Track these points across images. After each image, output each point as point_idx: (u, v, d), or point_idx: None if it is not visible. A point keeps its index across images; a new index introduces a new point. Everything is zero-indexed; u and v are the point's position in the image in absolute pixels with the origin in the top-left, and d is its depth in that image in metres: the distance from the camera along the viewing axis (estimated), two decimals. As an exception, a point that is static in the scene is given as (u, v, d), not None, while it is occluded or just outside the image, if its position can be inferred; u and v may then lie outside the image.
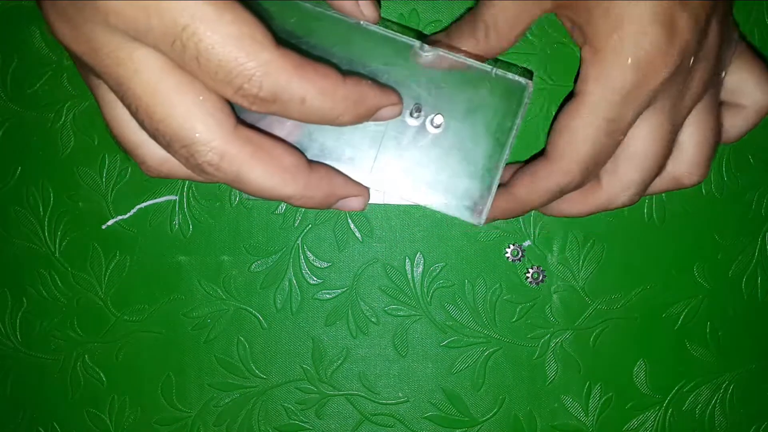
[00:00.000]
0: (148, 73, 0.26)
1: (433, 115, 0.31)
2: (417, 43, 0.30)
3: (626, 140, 0.31)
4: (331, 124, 0.28)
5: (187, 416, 0.38)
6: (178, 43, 0.25)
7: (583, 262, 0.38)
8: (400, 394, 0.38)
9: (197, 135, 0.27)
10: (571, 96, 0.31)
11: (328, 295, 0.38)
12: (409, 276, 0.38)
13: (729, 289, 0.38)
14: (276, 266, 0.38)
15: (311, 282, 0.38)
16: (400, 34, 0.30)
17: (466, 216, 0.32)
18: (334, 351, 0.38)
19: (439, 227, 0.37)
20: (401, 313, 0.38)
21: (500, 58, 0.36)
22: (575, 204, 0.33)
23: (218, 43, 0.25)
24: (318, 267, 0.38)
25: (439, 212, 0.34)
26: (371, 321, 0.38)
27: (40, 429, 0.39)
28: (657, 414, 0.39)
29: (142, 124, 0.28)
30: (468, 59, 0.31)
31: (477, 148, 0.32)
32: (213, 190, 0.38)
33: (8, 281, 0.38)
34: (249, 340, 0.38)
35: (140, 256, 0.38)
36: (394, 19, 0.36)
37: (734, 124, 0.34)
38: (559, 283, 0.38)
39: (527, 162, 0.34)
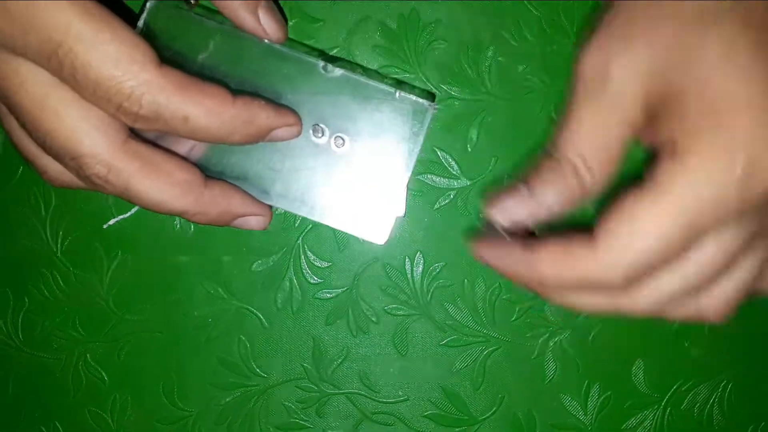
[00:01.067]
0: (34, 87, 0.27)
1: (337, 135, 0.32)
2: (321, 62, 0.31)
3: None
4: (222, 143, 0.28)
5: (189, 415, 0.39)
6: (54, 60, 0.25)
7: (582, 262, 0.38)
8: (400, 393, 0.39)
9: (84, 148, 0.27)
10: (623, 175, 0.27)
11: (328, 295, 0.38)
12: (409, 276, 0.38)
13: (727, 289, 0.39)
14: (277, 266, 0.38)
15: (312, 281, 0.38)
16: (304, 53, 0.31)
17: (368, 236, 0.33)
18: (335, 350, 0.38)
19: (439, 227, 0.37)
20: (401, 312, 0.38)
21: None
22: (594, 299, 0.28)
23: (95, 62, 0.25)
24: (318, 266, 0.38)
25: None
26: (371, 320, 0.38)
27: (42, 428, 0.39)
28: (655, 413, 0.39)
29: (31, 137, 0.28)
30: (370, 80, 0.31)
31: (381, 168, 0.32)
32: (214, 190, 0.38)
33: (10, 281, 0.39)
34: (250, 339, 0.38)
35: (142, 256, 0.38)
36: (394, 20, 0.36)
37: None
38: (559, 282, 0.38)
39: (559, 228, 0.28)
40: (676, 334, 0.38)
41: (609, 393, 0.39)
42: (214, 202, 0.30)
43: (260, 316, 0.38)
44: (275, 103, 0.30)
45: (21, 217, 0.38)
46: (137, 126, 0.27)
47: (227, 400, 0.38)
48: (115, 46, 0.25)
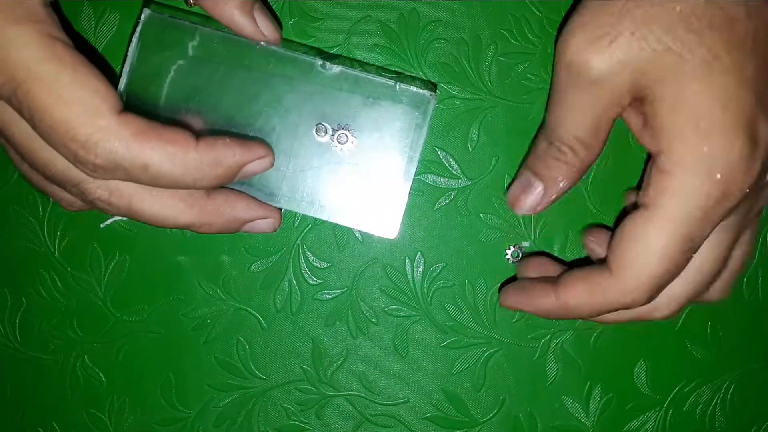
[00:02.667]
0: (22, 122, 0.26)
1: (339, 132, 0.32)
2: (319, 60, 0.31)
3: None
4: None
5: (187, 417, 0.38)
6: (15, 100, 0.25)
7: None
8: (401, 395, 0.38)
9: (82, 174, 0.27)
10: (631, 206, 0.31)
11: (328, 296, 0.38)
12: (409, 276, 0.38)
13: (730, 290, 0.38)
14: (276, 266, 0.37)
15: (311, 282, 0.38)
16: (301, 53, 0.31)
17: (378, 231, 0.33)
18: (334, 351, 0.38)
19: (439, 227, 0.37)
20: (401, 313, 0.38)
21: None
22: (618, 313, 0.31)
23: (50, 105, 0.24)
24: (318, 267, 0.38)
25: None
26: (371, 321, 0.38)
27: (40, 429, 0.39)
28: (657, 414, 0.39)
29: (33, 168, 0.29)
30: (370, 75, 0.31)
31: (386, 162, 0.32)
32: (213, 190, 0.37)
33: (8, 281, 0.38)
34: (249, 340, 0.38)
35: (140, 256, 0.38)
36: (394, 20, 0.36)
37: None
38: (560, 283, 0.38)
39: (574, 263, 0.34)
40: (679, 335, 0.38)
41: (611, 395, 0.38)
42: (219, 211, 0.30)
43: (259, 317, 0.38)
44: (243, 137, 0.29)
45: (19, 218, 0.38)
46: (96, 176, 0.26)
47: (226, 401, 0.38)
48: (73, 90, 0.24)
